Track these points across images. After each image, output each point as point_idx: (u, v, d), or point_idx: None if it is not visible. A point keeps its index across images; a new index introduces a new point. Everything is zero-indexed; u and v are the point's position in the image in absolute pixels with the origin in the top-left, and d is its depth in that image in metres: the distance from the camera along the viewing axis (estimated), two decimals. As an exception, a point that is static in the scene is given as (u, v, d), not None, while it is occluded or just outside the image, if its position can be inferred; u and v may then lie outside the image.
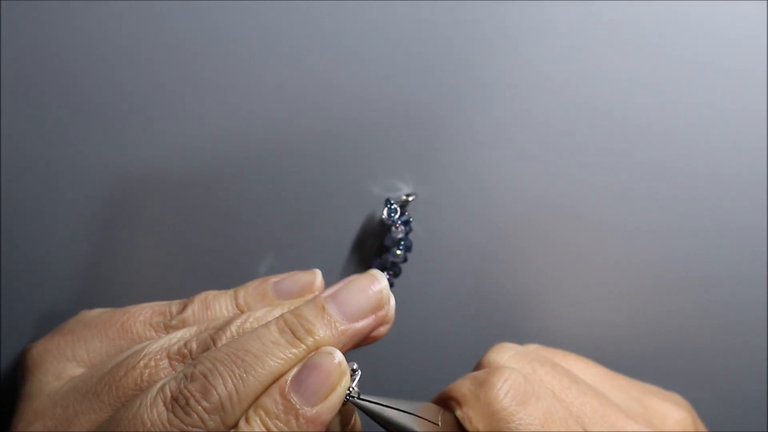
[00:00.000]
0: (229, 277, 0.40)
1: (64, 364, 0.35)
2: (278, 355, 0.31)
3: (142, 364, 0.33)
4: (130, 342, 0.35)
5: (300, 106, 0.39)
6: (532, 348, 0.40)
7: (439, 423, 0.35)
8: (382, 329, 0.34)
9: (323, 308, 0.33)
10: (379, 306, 0.33)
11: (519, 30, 0.39)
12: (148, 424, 0.30)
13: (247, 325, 0.33)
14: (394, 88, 0.39)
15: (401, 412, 0.34)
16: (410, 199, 0.41)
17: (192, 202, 0.40)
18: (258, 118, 0.39)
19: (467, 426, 0.35)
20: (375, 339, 0.34)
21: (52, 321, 0.40)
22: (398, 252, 0.41)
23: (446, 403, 0.36)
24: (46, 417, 0.33)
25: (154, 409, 0.31)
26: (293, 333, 0.32)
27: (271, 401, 0.31)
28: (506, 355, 0.37)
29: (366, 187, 0.41)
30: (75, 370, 0.34)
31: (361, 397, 0.33)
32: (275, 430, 0.30)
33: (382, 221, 0.41)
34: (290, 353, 0.32)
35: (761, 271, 0.44)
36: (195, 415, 0.30)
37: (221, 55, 0.37)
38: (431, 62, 0.39)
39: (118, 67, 0.37)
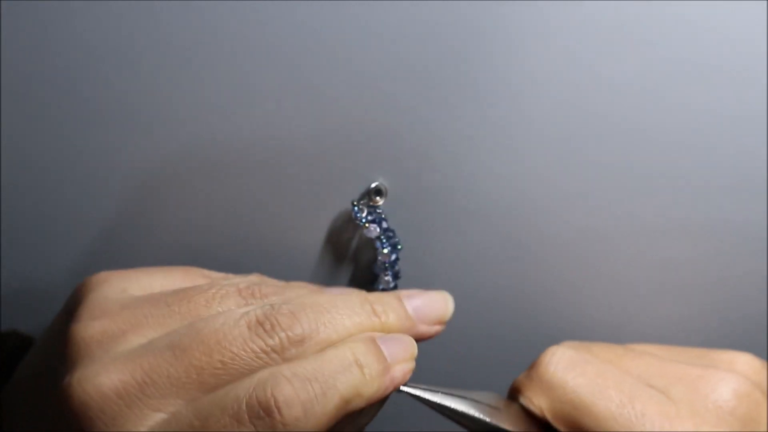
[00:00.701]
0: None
1: (128, 283, 0.36)
2: (359, 320, 0.34)
3: (213, 290, 0.34)
4: (191, 283, 0.36)
5: (281, 110, 0.39)
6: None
7: (501, 408, 0.36)
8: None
9: (400, 300, 0.35)
10: (440, 320, 0.36)
11: (511, 30, 0.39)
12: (229, 339, 0.31)
13: None
14: (376, 89, 0.39)
15: (462, 399, 0.35)
16: (378, 200, 0.41)
17: (187, 200, 0.41)
18: (241, 120, 0.39)
19: (532, 408, 0.36)
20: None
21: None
22: (386, 278, 0.42)
23: (509, 397, 0.37)
24: (111, 316, 0.33)
25: (236, 329, 0.32)
26: (372, 307, 0.34)
27: (363, 341, 0.33)
28: (557, 348, 0.38)
29: (346, 187, 0.41)
30: (138, 292, 0.35)
31: (417, 385, 0.35)
32: (364, 365, 0.32)
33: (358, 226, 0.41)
34: (368, 321, 0.34)
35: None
36: (277, 340, 0.32)
37: (199, 51, 0.38)
38: (411, 63, 0.39)
39: (117, 66, 0.38)
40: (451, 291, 0.43)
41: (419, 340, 0.35)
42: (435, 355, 0.42)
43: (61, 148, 0.39)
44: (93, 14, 0.37)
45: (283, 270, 0.42)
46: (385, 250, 0.41)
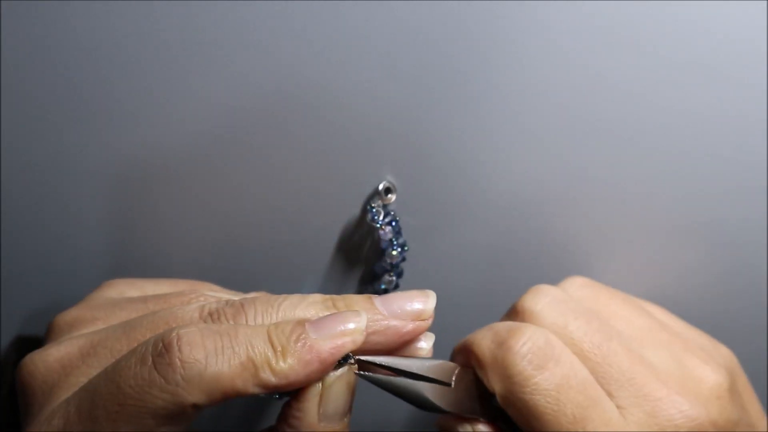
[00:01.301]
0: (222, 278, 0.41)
1: (131, 289, 0.37)
2: (311, 312, 0.33)
3: (192, 295, 0.35)
4: None
5: (281, 104, 0.39)
6: (575, 286, 0.39)
7: (452, 383, 0.35)
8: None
9: (369, 298, 0.34)
10: (420, 316, 0.34)
11: (508, 29, 0.39)
12: (178, 320, 0.32)
13: None
14: (377, 86, 0.39)
15: (408, 377, 0.34)
16: (390, 197, 0.40)
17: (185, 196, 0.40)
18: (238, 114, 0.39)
19: (486, 384, 0.35)
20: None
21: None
22: (390, 278, 0.42)
23: (466, 355, 0.36)
24: (91, 307, 0.35)
25: (188, 313, 0.32)
26: (333, 303, 0.34)
27: (286, 321, 0.32)
28: (541, 303, 0.37)
29: (352, 187, 0.41)
30: (134, 295, 0.37)
31: (361, 358, 0.33)
32: (275, 338, 0.31)
33: (367, 224, 0.41)
34: (322, 314, 0.33)
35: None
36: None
37: (205, 53, 0.38)
38: (414, 63, 0.39)
39: (114, 64, 0.38)
40: (451, 287, 0.43)
41: (401, 340, 0.34)
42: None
43: (62, 143, 0.39)
44: (90, 15, 0.37)
45: (293, 273, 0.42)
46: (395, 252, 0.41)
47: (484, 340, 0.35)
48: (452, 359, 0.37)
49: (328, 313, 0.33)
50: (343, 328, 0.32)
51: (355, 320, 0.32)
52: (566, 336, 0.36)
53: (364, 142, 0.40)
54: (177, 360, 0.29)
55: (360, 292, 0.43)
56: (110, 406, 0.30)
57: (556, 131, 0.41)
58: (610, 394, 0.35)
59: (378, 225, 0.40)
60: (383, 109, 0.40)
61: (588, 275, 0.41)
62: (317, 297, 0.34)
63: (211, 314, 0.32)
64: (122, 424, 0.30)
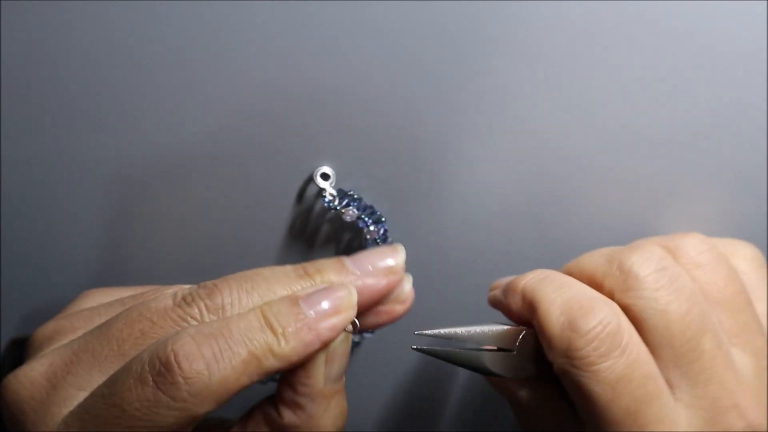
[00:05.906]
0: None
1: (108, 297, 0.36)
2: (285, 282, 0.33)
3: (170, 289, 0.34)
4: None
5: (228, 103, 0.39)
6: (694, 252, 0.37)
7: (515, 349, 0.35)
8: (399, 308, 0.36)
9: (339, 259, 0.35)
10: (390, 271, 0.35)
11: (499, 27, 0.38)
12: (152, 310, 0.32)
13: None
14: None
15: (467, 349, 0.35)
16: (328, 185, 0.39)
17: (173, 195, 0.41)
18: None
19: (545, 350, 0.34)
20: (392, 317, 0.36)
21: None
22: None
23: (530, 309, 0.35)
24: (69, 317, 0.34)
25: (162, 302, 0.32)
26: (305, 270, 0.34)
27: (279, 300, 0.32)
28: (647, 270, 0.35)
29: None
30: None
31: (424, 332, 0.34)
32: (273, 321, 0.31)
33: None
34: (299, 284, 0.33)
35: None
36: (195, 309, 0.32)
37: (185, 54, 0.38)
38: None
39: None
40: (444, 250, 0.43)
41: (378, 296, 0.35)
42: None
43: (59, 144, 0.39)
44: (92, 14, 0.37)
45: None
46: (372, 227, 0.40)
47: (553, 308, 0.34)
48: (505, 295, 0.36)
49: (317, 289, 0.33)
50: (339, 305, 0.32)
51: (344, 293, 0.33)
52: (660, 315, 0.34)
53: (302, 128, 0.39)
54: (180, 378, 0.29)
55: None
56: (118, 430, 0.30)
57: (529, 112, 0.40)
58: (674, 386, 0.34)
59: (336, 210, 0.40)
60: (319, 95, 0.39)
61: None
62: (287, 268, 0.34)
63: (184, 298, 0.32)
64: None
